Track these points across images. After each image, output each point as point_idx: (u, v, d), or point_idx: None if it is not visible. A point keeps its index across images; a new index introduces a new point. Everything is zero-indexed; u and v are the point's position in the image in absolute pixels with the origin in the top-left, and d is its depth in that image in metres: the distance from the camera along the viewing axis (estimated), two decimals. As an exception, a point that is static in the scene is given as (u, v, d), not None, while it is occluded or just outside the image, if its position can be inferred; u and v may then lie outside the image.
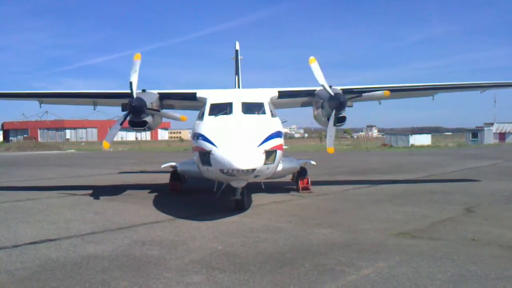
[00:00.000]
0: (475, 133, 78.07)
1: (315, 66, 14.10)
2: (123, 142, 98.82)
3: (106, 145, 15.02)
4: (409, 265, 7.17)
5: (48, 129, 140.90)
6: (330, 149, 15.07)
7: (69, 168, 31.34)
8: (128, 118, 14.61)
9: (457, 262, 7.31)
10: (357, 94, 14.91)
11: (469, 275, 6.67)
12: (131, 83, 13.92)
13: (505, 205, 12.95)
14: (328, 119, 14.58)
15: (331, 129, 14.71)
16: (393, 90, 15.43)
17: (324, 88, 14.16)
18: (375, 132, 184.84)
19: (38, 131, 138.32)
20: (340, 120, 14.62)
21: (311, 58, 14.18)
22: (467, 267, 7.01)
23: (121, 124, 14.77)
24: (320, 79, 14.07)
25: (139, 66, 14.02)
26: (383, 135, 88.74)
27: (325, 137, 15.74)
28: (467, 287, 6.19)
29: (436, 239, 8.94)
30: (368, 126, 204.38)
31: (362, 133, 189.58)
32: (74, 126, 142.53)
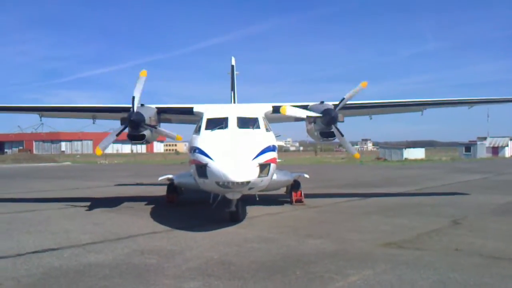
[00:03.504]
0: (468, 147, 78.77)
1: (291, 110, 14.52)
2: (119, 155, 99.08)
3: (98, 151, 15.06)
4: (393, 273, 7.60)
5: (43, 141, 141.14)
6: (356, 155, 16.55)
7: (66, 180, 31.66)
8: (126, 131, 15.02)
9: (439, 270, 7.76)
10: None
11: (449, 281, 7.12)
12: (133, 98, 14.36)
13: (490, 218, 13.41)
14: (320, 134, 15.11)
15: (344, 141, 15.71)
16: (382, 106, 16.03)
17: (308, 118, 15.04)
18: (370, 146, 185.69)
19: (34, 143, 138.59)
20: (331, 134, 15.12)
21: (283, 107, 14.48)
22: (448, 275, 7.46)
23: (117, 135, 15.07)
24: (302, 114, 14.74)
25: (144, 82, 14.38)
26: (377, 148, 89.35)
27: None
28: (446, 293, 6.63)
29: (421, 249, 9.38)
30: (363, 140, 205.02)
31: (357, 146, 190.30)
32: (70, 138, 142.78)
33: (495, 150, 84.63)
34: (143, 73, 14.37)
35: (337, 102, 15.28)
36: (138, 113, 14.63)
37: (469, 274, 7.50)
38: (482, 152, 77.42)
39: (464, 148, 79.14)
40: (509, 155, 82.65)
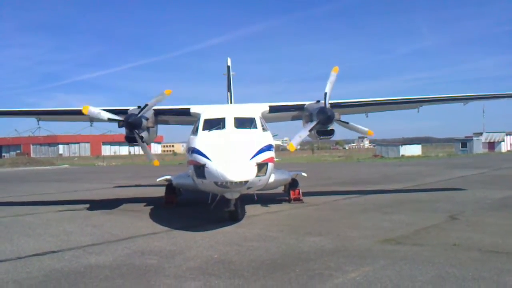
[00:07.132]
0: (465, 143, 79.09)
1: (333, 75, 14.61)
2: (117, 157, 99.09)
3: (156, 163, 16.38)
4: (392, 269, 7.67)
5: (41, 144, 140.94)
6: (292, 146, 14.85)
7: (65, 183, 31.68)
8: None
9: (438, 265, 7.83)
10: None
11: (448, 276, 7.19)
12: (146, 105, 14.72)
13: (487, 212, 13.49)
14: (317, 133, 15.14)
15: (303, 131, 14.80)
16: (378, 104, 16.09)
17: (324, 97, 14.64)
18: (366, 143, 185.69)
19: (31, 146, 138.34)
20: (328, 133, 15.19)
21: (336, 67, 14.72)
22: (446, 269, 7.53)
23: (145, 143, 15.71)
24: (328, 87, 14.58)
25: (164, 99, 14.53)
26: (374, 146, 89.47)
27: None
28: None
29: (420, 244, 9.46)
30: (359, 138, 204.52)
31: (354, 144, 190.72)
32: (67, 141, 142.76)
33: (491, 145, 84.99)
34: (168, 92, 14.20)
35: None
36: (134, 115, 14.71)
37: (468, 268, 7.57)
38: (478, 147, 77.73)
39: (460, 144, 79.48)
40: (505, 150, 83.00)
